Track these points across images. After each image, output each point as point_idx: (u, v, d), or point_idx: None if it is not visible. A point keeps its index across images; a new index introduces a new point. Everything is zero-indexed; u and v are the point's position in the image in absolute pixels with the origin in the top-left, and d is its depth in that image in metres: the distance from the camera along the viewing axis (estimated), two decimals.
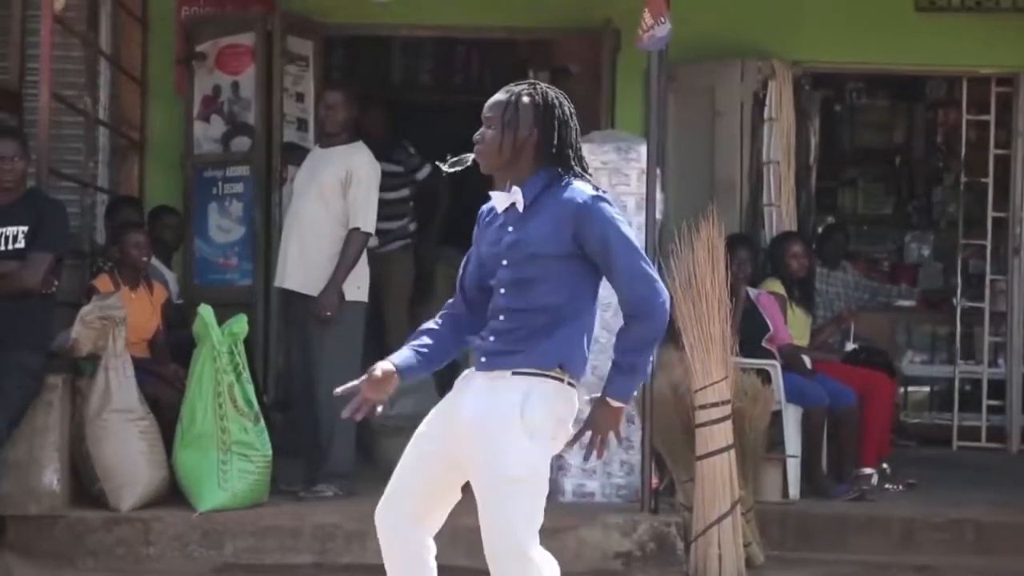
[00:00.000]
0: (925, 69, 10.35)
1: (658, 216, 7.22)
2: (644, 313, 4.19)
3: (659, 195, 7.25)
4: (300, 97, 9.34)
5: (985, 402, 10.08)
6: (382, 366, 4.30)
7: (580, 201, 4.20)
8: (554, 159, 4.27)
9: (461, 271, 4.48)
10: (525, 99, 4.27)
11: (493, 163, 4.31)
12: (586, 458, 4.28)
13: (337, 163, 7.61)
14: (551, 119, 4.26)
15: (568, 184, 4.25)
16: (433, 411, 4.37)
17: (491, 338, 4.26)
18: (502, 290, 4.26)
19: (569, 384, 4.24)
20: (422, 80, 12.05)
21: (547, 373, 4.21)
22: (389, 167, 8.88)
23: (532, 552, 4.18)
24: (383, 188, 7.87)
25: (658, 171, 7.25)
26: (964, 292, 10.37)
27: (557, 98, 4.30)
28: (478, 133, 4.32)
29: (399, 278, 9.84)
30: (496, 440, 4.16)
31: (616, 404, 4.24)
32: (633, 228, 7.03)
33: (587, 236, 4.19)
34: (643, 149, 7.40)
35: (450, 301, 4.49)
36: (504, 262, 4.26)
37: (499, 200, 4.33)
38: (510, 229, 4.27)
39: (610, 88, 9.46)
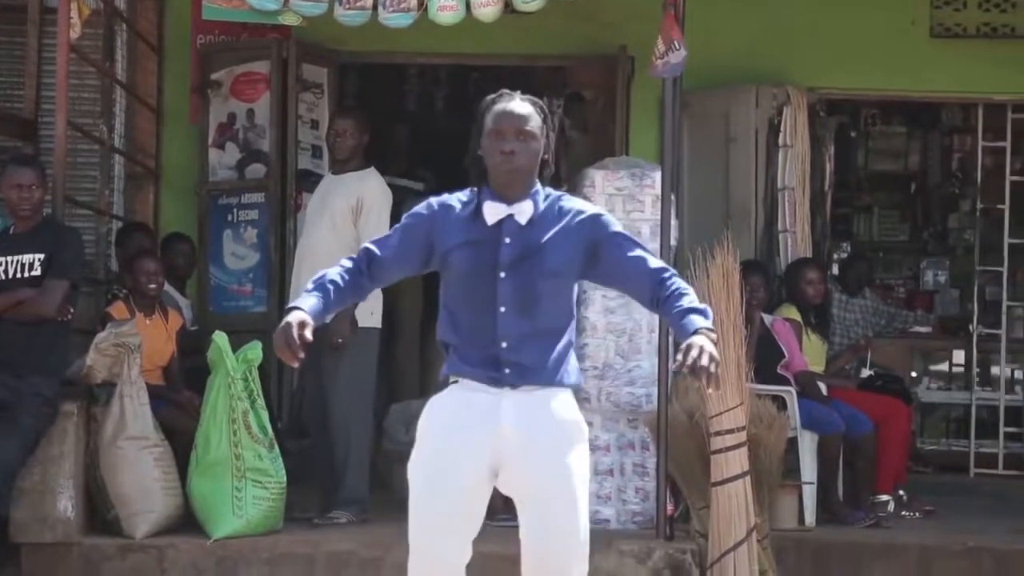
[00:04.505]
0: (940, 96, 10.30)
1: (672, 242, 7.20)
2: (675, 274, 4.24)
3: (674, 221, 7.24)
4: (315, 124, 9.35)
5: (1003, 429, 10.03)
6: (297, 316, 4.09)
7: (591, 214, 4.24)
8: (549, 172, 4.29)
9: (382, 242, 4.30)
10: (543, 112, 4.27)
11: (524, 177, 4.20)
12: (708, 381, 3.96)
13: (348, 190, 7.57)
14: (554, 133, 4.30)
15: (561, 197, 4.26)
16: (449, 439, 4.26)
17: (507, 370, 4.19)
18: (502, 308, 4.17)
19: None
20: (437, 107, 12.05)
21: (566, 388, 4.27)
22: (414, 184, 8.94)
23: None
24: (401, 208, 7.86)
25: (672, 197, 7.23)
26: (981, 319, 10.33)
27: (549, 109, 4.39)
28: (509, 146, 4.17)
29: (409, 301, 9.85)
30: (568, 447, 4.17)
31: (706, 325, 4.04)
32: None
33: (606, 244, 4.20)
34: (658, 175, 7.39)
35: (357, 258, 4.28)
36: (502, 274, 4.17)
37: (493, 212, 4.19)
38: (507, 240, 4.18)
39: (624, 115, 9.45)
